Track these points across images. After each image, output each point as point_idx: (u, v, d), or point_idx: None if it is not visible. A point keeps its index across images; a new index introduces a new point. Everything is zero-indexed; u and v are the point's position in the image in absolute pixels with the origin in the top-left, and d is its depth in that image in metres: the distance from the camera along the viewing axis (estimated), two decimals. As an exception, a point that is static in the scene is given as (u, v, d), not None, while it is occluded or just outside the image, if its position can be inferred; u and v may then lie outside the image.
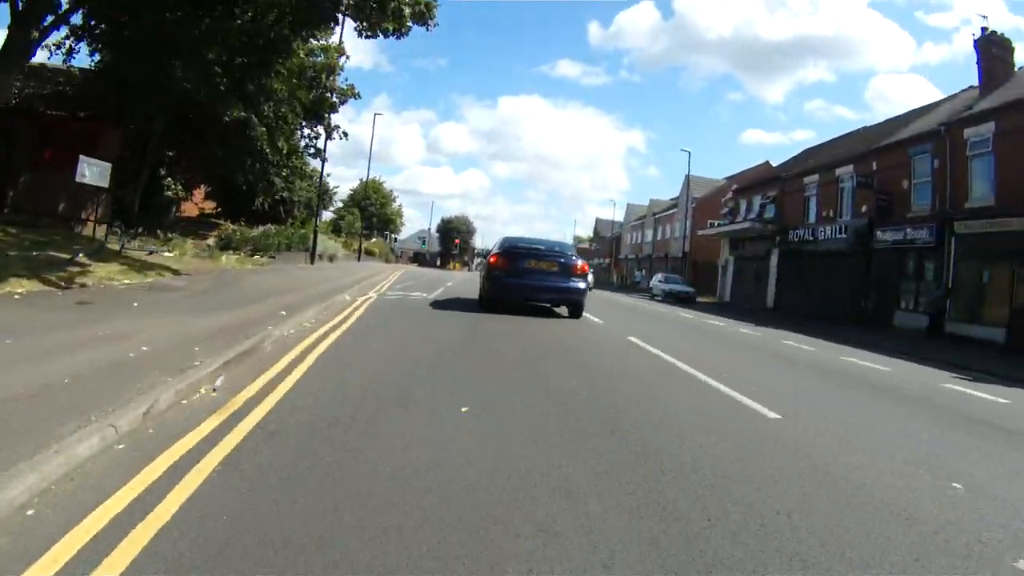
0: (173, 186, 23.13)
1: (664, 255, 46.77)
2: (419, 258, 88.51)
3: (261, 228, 22.61)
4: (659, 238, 49.80)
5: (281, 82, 16.40)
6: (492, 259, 11.22)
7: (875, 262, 21.79)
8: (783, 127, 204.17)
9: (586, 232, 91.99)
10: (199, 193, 35.57)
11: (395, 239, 68.91)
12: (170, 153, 21.30)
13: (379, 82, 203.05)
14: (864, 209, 22.90)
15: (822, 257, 24.64)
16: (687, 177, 42.81)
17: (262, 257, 18.31)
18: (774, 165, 36.73)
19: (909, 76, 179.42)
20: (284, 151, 18.99)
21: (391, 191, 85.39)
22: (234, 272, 13.21)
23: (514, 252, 11.13)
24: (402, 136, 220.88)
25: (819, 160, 27.56)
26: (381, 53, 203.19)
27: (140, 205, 18.55)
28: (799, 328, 16.27)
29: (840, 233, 23.49)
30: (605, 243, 72.51)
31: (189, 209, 37.76)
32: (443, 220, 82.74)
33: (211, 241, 18.75)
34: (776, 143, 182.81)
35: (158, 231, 17.85)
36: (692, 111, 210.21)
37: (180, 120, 17.96)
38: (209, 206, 37.00)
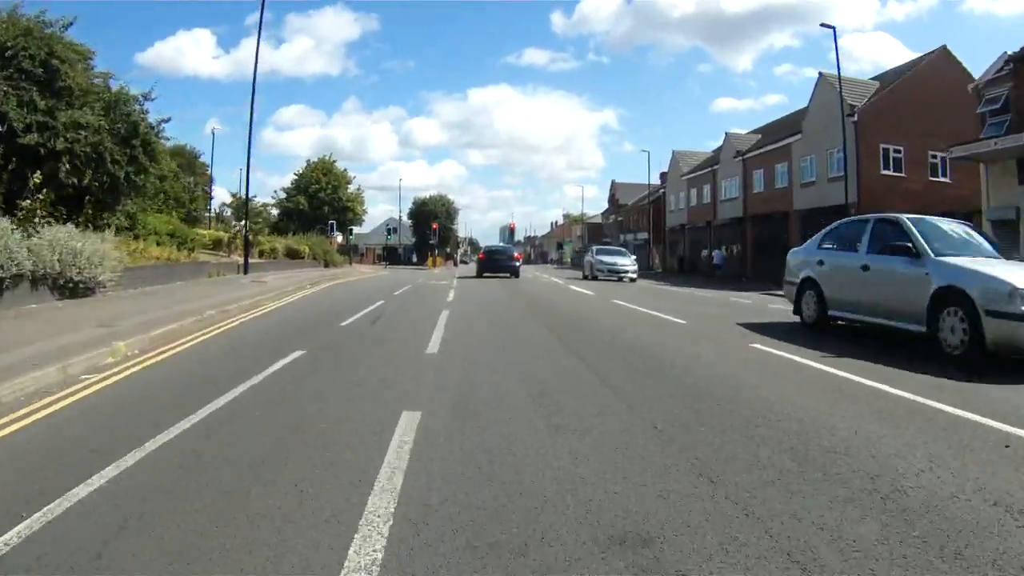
0: None
1: (781, 214, 28.41)
2: (391, 255, 69.53)
3: None
4: (756, 189, 31.43)
5: None
6: (480, 256, 27.24)
7: None
8: (754, 93, 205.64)
9: (589, 206, 73.82)
10: None
11: (351, 231, 50.00)
12: None
13: (347, 86, 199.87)
14: None
15: None
16: (836, 80, 24.39)
17: None
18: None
19: (875, 34, 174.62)
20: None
21: (345, 170, 66.26)
22: None
23: (488, 252, 26.63)
24: (374, 134, 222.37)
25: None
26: (348, 59, 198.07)
27: None
28: None
29: None
30: (633, 212, 54.13)
31: None
32: (416, 202, 63.70)
33: None
34: (748, 108, 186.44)
35: None
36: (662, 85, 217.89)
37: None
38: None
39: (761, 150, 30.96)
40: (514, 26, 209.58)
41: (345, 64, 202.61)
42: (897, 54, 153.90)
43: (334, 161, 66.09)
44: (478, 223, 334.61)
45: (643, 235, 48.88)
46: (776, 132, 31.67)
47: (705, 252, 36.08)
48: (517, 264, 25.26)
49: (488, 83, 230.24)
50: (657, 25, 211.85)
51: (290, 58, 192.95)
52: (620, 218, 57.40)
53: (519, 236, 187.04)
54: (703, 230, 37.76)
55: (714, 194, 36.26)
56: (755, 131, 36.23)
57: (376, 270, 36.31)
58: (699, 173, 38.54)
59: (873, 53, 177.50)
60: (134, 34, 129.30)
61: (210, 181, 68.57)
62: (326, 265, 32.21)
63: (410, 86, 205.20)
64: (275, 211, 65.72)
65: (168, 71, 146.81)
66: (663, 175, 56.36)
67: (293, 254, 29.80)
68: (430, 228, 48.38)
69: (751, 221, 31.67)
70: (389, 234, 48.17)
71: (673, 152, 43.37)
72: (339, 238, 56.36)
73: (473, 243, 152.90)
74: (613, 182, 61.18)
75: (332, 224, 40.38)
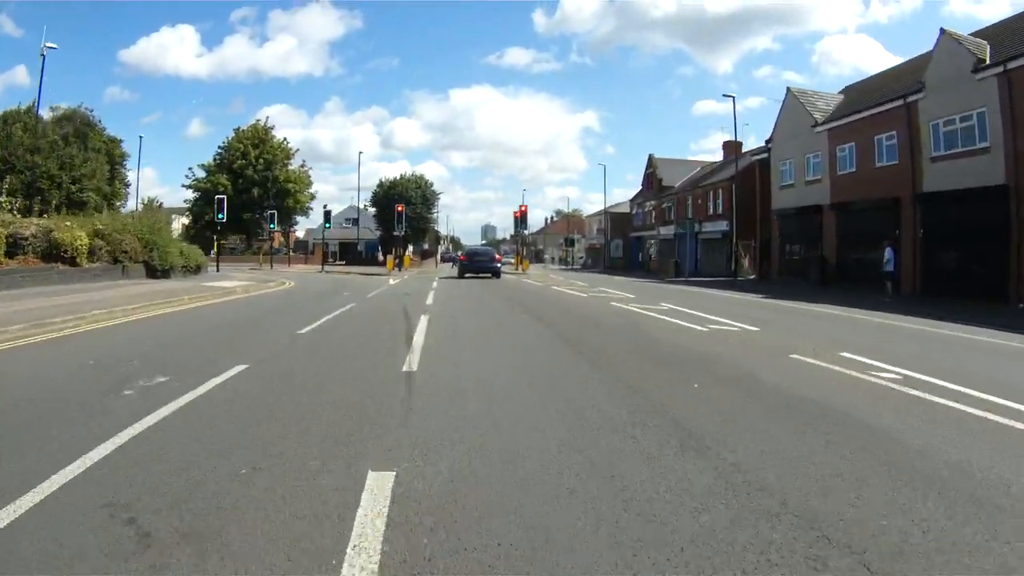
0: None
1: None
2: (347, 253, 52.58)
3: None
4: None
5: None
6: (461, 257, 26.76)
7: None
8: (735, 96, 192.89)
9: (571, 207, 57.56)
10: None
11: (273, 218, 32.90)
12: None
13: (331, 85, 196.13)
14: None
15: None
16: None
17: None
18: None
19: (857, 37, 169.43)
20: None
21: (285, 140, 48.95)
22: None
23: (470, 253, 26.49)
24: (356, 136, 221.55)
25: None
26: (332, 58, 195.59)
27: None
28: None
29: None
30: (695, 194, 37.75)
31: None
32: (382, 185, 46.69)
33: None
34: (728, 112, 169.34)
35: None
36: (644, 87, 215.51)
37: None
38: None
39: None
40: (497, 25, 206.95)
41: (328, 64, 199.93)
42: (878, 58, 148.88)
43: (270, 128, 48.81)
44: (459, 222, 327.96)
45: (719, 226, 32.44)
46: None
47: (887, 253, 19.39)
48: (498, 266, 25.45)
49: (471, 83, 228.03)
50: (639, 25, 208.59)
51: (274, 56, 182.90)
52: (666, 204, 40.89)
53: (503, 234, 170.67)
54: (874, 213, 21.43)
55: (911, 147, 19.93)
56: (977, 33, 20.07)
57: (288, 276, 19.42)
58: (866, 114, 22.16)
59: (854, 56, 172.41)
60: (119, 29, 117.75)
61: (122, 159, 50.90)
62: (154, 273, 15.22)
63: (393, 85, 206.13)
64: (191, 194, 48.38)
65: (151, 69, 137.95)
66: (728, 144, 40.35)
67: (55, 253, 12.71)
68: (394, 211, 31.17)
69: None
70: (327, 224, 30.53)
71: (788, 91, 26.97)
72: (276, 231, 39.20)
73: (455, 241, 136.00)
74: (651, 157, 44.65)
75: (220, 201, 23.17)
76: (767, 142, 28.27)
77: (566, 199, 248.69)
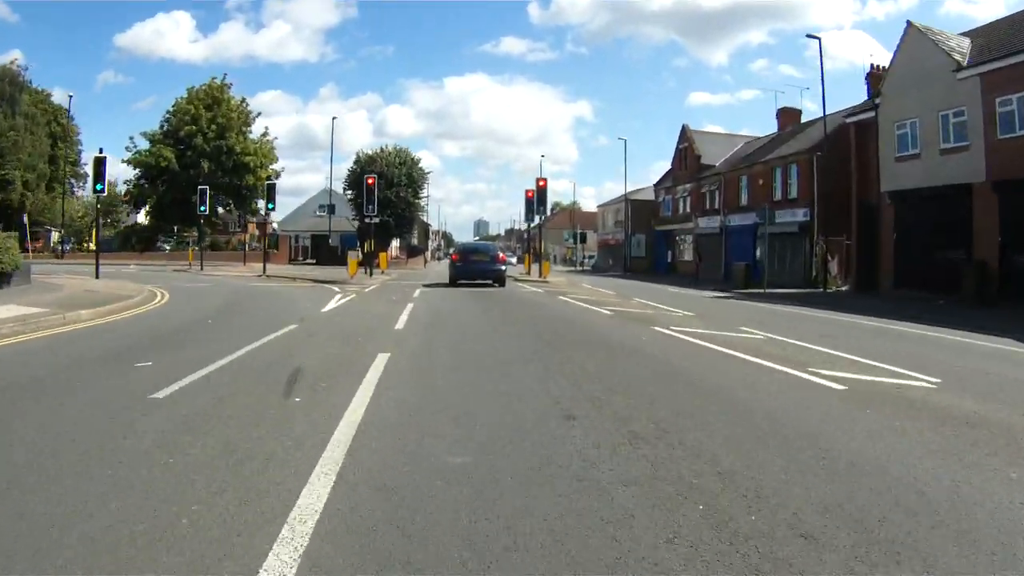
0: None
1: None
2: (320, 249, 44.77)
3: None
4: None
5: None
6: (453, 256, 20.10)
7: None
8: (729, 88, 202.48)
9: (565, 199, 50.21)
10: None
11: (248, 207, 25.36)
12: None
13: (326, 70, 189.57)
14: None
15: None
16: None
17: None
18: None
19: (853, 33, 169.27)
20: None
21: (244, 101, 41.34)
22: None
23: (464, 251, 19.94)
24: (349, 123, 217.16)
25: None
26: (327, 44, 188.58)
27: None
28: None
29: None
30: (753, 174, 30.48)
31: None
32: (359, 160, 38.85)
33: None
34: (723, 103, 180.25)
35: None
36: (638, 78, 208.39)
37: None
38: None
39: None
40: (492, 15, 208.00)
41: (323, 50, 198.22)
42: (874, 54, 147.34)
43: (229, 85, 40.91)
44: (452, 216, 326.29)
45: (793, 215, 25.04)
46: None
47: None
48: (502, 268, 19.22)
49: (465, 71, 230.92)
50: (635, 18, 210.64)
51: (269, 43, 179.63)
52: (708, 188, 33.45)
53: (497, 230, 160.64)
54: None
55: None
56: None
57: (192, 286, 11.64)
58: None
59: (850, 52, 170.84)
60: (114, 13, 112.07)
61: (66, 135, 42.83)
62: None
63: (388, 72, 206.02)
64: (132, 171, 40.54)
65: (145, 53, 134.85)
66: (782, 113, 33.33)
67: None
68: (368, 188, 23.06)
69: None
70: (271, 201, 22.17)
71: (908, 25, 19.47)
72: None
73: (447, 236, 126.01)
74: (685, 128, 37.00)
75: (100, 161, 15.20)
76: (872, 97, 20.83)
77: (561, 192, 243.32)
